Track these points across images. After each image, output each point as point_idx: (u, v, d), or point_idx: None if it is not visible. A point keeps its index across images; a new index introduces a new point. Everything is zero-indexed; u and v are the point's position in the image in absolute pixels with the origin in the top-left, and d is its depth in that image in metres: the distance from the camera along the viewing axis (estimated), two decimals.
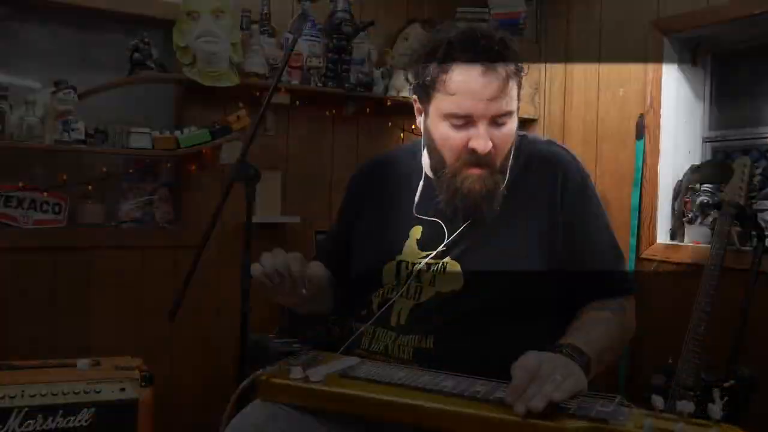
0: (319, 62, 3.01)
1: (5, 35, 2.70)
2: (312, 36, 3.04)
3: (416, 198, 1.40)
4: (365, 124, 3.29)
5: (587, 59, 3.07)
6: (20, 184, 2.61)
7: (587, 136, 3.08)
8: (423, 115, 1.36)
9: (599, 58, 3.02)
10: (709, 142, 2.85)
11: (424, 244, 1.35)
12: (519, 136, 1.41)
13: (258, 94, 2.95)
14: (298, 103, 3.08)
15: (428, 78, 1.29)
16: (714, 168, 2.67)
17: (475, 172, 1.28)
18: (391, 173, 1.50)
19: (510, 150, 1.33)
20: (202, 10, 2.67)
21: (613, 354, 1.30)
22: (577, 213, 1.34)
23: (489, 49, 1.24)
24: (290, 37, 2.54)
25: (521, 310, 1.28)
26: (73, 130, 2.53)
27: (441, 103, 1.29)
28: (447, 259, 1.32)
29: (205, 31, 2.66)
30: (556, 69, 3.24)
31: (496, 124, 1.27)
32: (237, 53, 2.79)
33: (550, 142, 1.44)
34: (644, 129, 2.79)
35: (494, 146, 1.27)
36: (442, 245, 1.32)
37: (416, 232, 1.37)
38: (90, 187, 2.75)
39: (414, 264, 1.34)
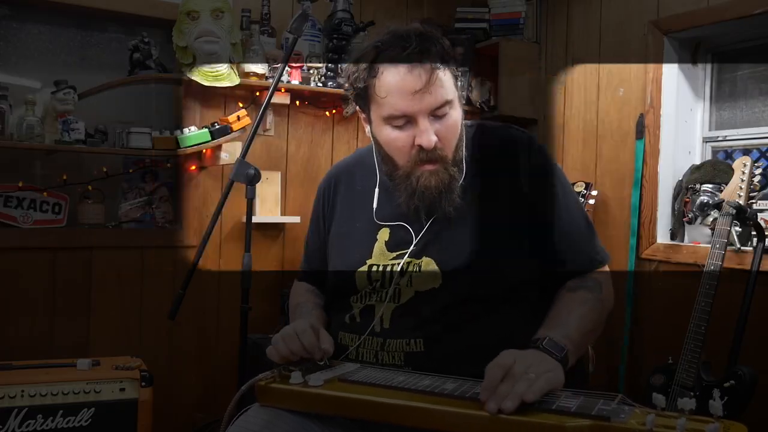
0: (319, 62, 3.02)
1: (5, 35, 2.70)
2: (312, 36, 3.04)
3: (374, 205, 1.40)
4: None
5: (587, 59, 3.07)
6: (20, 184, 2.61)
7: (587, 136, 3.08)
8: (368, 123, 1.37)
9: (599, 58, 3.02)
10: (709, 142, 2.85)
11: (394, 245, 1.35)
12: (476, 124, 1.42)
13: (258, 94, 2.96)
14: (298, 103, 3.08)
15: (361, 85, 1.31)
16: (714, 168, 2.67)
17: (428, 168, 1.28)
18: (353, 179, 1.50)
19: (460, 139, 1.33)
20: (202, 10, 2.67)
21: (594, 334, 1.31)
22: (542, 193, 1.34)
23: (408, 46, 1.24)
24: (290, 37, 2.54)
25: (501, 296, 1.29)
26: (73, 130, 2.53)
27: (378, 107, 1.30)
28: (422, 258, 1.32)
29: (205, 31, 2.66)
30: (556, 69, 3.24)
31: (436, 116, 1.27)
32: (237, 53, 2.79)
33: (507, 127, 1.43)
34: (644, 129, 2.79)
35: (440, 139, 1.27)
36: (412, 245, 1.32)
37: (384, 234, 1.37)
38: (90, 187, 2.75)
39: (385, 266, 1.34)
